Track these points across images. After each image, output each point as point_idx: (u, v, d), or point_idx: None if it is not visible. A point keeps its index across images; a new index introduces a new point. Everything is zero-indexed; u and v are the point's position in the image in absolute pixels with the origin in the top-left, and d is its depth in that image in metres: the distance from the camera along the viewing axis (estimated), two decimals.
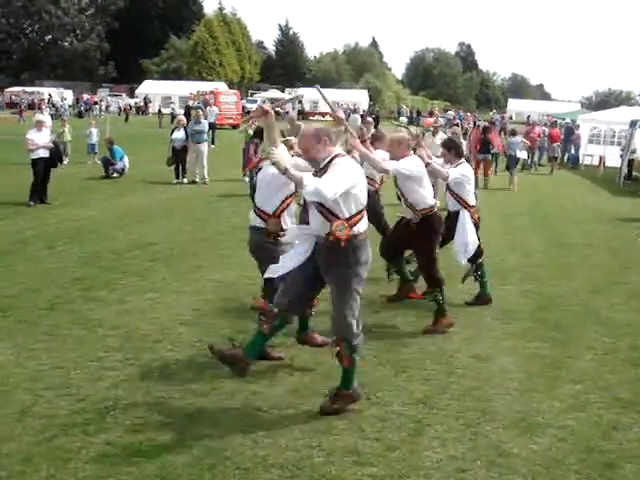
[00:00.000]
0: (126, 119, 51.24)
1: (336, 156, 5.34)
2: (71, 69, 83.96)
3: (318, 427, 5.21)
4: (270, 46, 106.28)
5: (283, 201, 6.34)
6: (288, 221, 6.38)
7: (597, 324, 8.09)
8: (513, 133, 23.91)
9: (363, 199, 5.38)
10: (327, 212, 5.25)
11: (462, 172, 8.13)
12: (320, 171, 5.32)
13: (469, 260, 8.31)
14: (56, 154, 15.26)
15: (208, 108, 33.87)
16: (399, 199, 8.19)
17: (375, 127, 15.66)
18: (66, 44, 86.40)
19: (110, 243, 11.30)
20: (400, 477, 4.57)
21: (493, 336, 7.49)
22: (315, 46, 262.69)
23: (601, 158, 29.70)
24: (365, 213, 5.43)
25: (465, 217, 8.17)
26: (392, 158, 7.52)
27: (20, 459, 4.62)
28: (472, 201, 8.31)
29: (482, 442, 5.10)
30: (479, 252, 8.35)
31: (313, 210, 5.43)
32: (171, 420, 5.24)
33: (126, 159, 20.27)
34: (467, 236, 8.11)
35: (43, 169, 14.71)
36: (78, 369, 6.13)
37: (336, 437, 5.07)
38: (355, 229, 5.29)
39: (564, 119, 39.56)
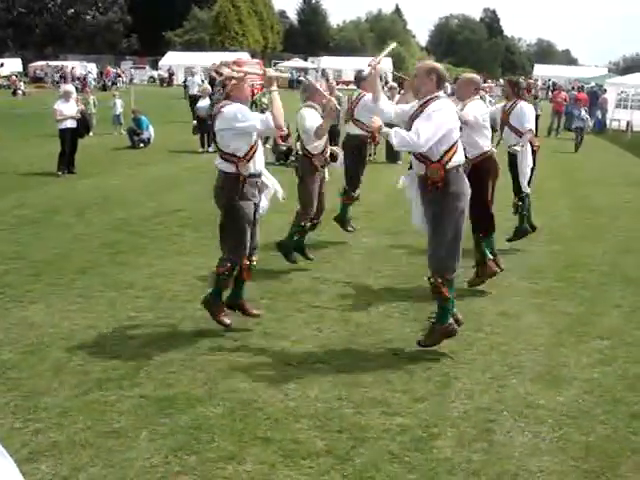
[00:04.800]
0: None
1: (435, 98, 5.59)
2: (94, 42, 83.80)
3: (347, 380, 5.29)
4: (292, 15, 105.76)
5: None
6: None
7: (624, 283, 8.08)
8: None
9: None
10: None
11: None
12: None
13: None
14: (83, 124, 15.40)
15: (189, 78, 30.54)
16: None
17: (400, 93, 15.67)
18: (88, 17, 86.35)
19: (138, 210, 11.42)
20: (428, 427, 4.64)
21: (520, 294, 7.51)
22: (338, 14, 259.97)
23: (628, 123, 29.28)
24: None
25: None
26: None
27: (57, 412, 4.75)
28: None
29: (509, 394, 5.16)
30: None
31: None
32: (203, 375, 5.35)
33: (151, 129, 20.37)
34: None
35: (70, 139, 14.87)
36: (111, 328, 6.26)
37: (364, 390, 5.15)
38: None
39: (589, 83, 38.92)
